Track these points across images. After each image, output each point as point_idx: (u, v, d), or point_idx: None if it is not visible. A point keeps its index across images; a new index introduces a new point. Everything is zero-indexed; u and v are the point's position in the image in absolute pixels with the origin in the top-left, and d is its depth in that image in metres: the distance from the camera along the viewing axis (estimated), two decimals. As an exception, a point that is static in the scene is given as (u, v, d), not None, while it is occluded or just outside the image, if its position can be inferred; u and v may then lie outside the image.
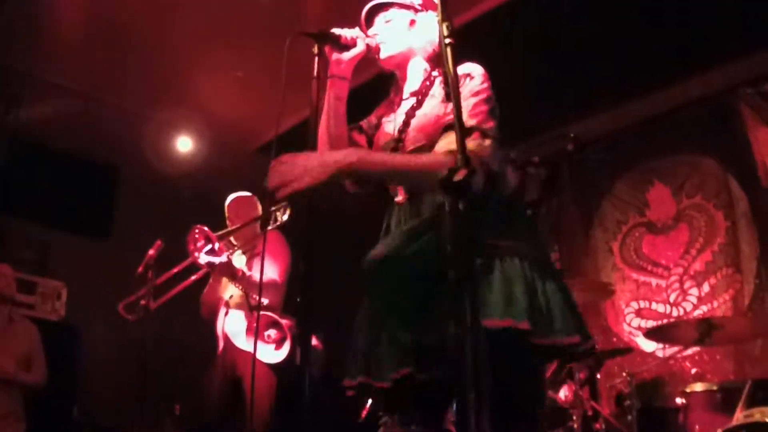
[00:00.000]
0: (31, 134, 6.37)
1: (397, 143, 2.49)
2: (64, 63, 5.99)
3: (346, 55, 2.55)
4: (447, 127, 2.30)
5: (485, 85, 2.37)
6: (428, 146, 2.38)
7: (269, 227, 4.20)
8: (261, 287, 3.84)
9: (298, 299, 2.12)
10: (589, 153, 6.55)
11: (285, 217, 4.00)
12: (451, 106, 2.35)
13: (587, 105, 6.43)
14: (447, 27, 1.91)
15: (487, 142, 2.24)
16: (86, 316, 5.55)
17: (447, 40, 1.90)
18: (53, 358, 5.31)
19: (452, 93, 1.76)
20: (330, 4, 5.16)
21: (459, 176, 1.66)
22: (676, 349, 5.53)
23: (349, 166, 2.15)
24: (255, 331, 4.14)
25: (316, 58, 2.42)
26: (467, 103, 2.28)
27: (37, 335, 5.29)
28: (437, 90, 2.50)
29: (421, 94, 2.53)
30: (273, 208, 4.03)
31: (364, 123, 2.72)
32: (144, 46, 5.82)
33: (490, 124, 2.29)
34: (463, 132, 1.79)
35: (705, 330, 4.32)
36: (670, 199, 6.28)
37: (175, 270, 4.50)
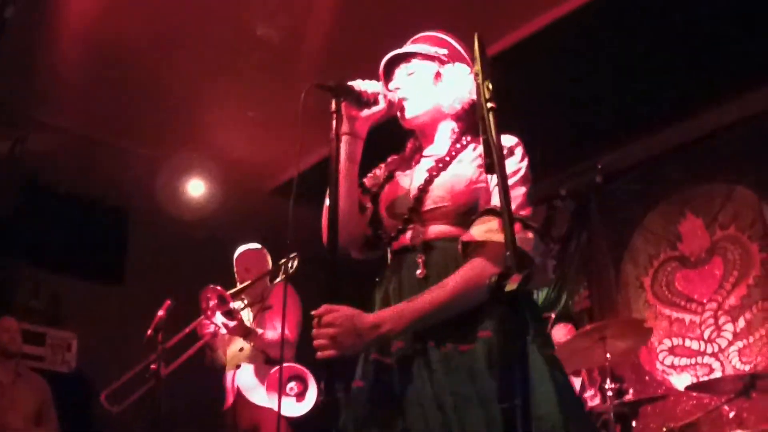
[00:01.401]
0: (38, 179, 6.24)
1: (416, 202, 2.23)
2: (69, 106, 5.78)
3: (365, 113, 2.29)
4: (484, 212, 2.09)
5: (524, 162, 2.18)
6: (451, 209, 2.17)
7: (278, 279, 4.14)
8: (282, 341, 3.69)
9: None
10: (619, 184, 6.33)
11: (294, 266, 3.94)
12: (487, 176, 2.16)
13: (616, 135, 6.21)
14: (488, 88, 1.67)
15: (530, 234, 2.02)
16: (99, 367, 5.40)
17: (489, 105, 1.66)
18: (65, 411, 5.18)
19: (498, 176, 1.51)
20: (343, 46, 4.98)
21: (512, 284, 1.41)
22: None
23: (386, 336, 2.04)
24: (279, 386, 4.04)
25: (334, 116, 2.14)
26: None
27: (47, 389, 5.19)
28: (468, 155, 2.26)
29: (450, 157, 2.28)
30: (282, 260, 3.96)
31: (368, 179, 2.48)
32: (151, 86, 5.60)
33: (529, 211, 2.10)
34: (513, 231, 1.56)
35: (749, 383, 4.21)
36: (703, 231, 6.03)
37: (186, 331, 4.40)
